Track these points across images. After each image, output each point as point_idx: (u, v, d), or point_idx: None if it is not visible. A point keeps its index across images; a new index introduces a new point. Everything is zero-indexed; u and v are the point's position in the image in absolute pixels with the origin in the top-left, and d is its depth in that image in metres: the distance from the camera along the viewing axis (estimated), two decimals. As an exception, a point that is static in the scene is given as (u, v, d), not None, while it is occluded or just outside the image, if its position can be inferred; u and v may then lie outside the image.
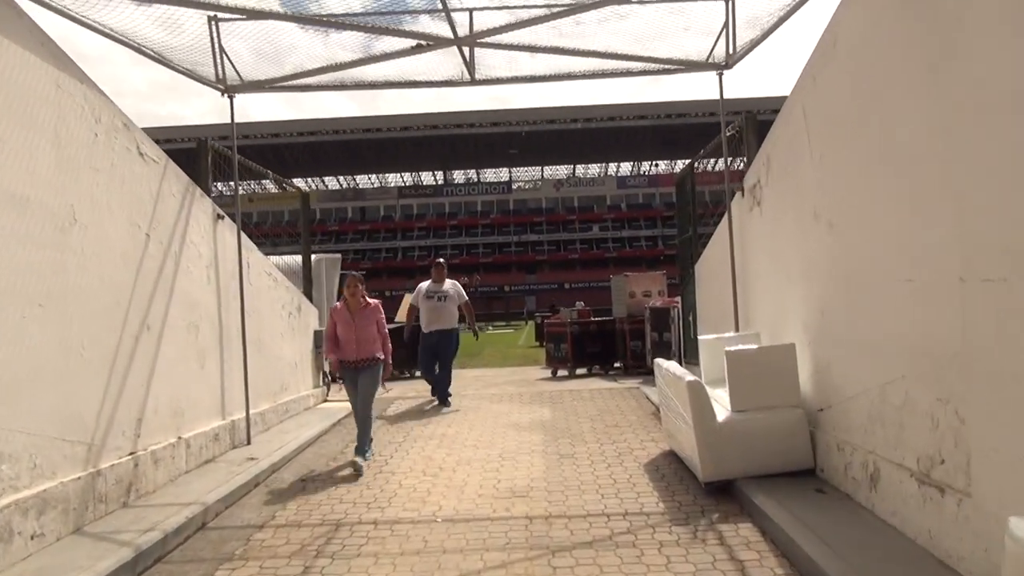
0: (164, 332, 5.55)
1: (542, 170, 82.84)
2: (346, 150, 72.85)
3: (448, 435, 7.29)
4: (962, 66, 3.06)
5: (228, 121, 6.89)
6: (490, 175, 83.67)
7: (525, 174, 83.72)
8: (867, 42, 4.00)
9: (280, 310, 8.31)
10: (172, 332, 5.67)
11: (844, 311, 4.43)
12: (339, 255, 11.81)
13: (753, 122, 6.70)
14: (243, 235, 7.13)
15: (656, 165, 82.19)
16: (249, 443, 6.80)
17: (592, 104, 72.24)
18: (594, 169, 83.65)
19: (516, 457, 6.26)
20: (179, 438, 5.67)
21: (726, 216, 6.87)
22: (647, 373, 11.03)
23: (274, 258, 9.81)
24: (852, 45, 4.20)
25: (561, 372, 12.00)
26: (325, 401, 9.63)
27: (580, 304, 16.06)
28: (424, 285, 9.00)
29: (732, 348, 5.09)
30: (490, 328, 38.72)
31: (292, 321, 8.67)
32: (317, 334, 9.55)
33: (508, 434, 7.22)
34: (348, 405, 9.47)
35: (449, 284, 8.93)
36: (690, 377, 4.98)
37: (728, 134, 6.83)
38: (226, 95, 6.73)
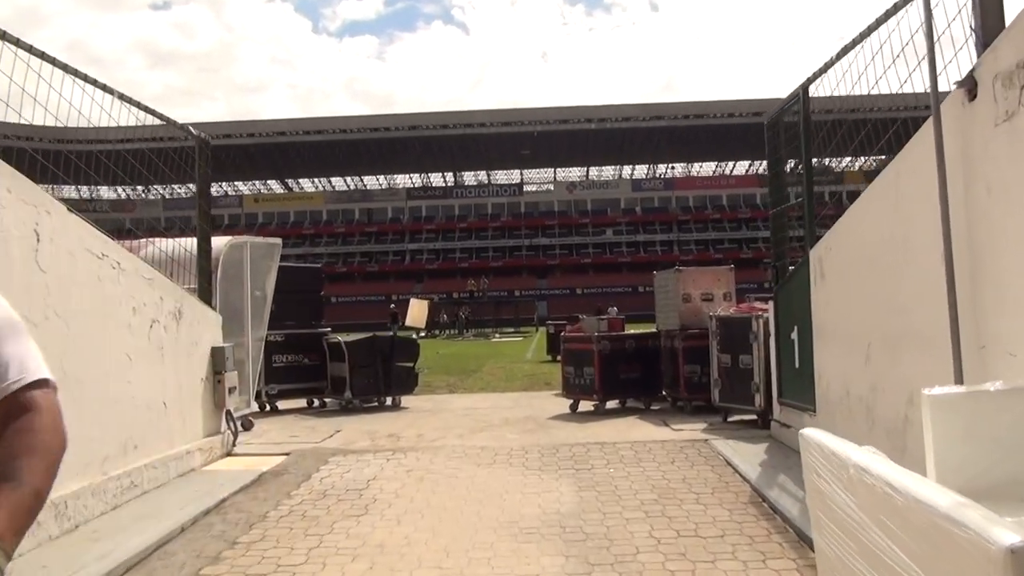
0: None
1: (554, 172, 79.47)
2: (353, 150, 70.62)
3: (388, 546, 4.03)
4: None
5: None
6: (501, 177, 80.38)
7: (537, 176, 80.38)
8: None
9: (131, 316, 5.08)
10: None
11: None
12: (278, 240, 8.55)
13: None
14: (19, 177, 3.92)
15: (672, 168, 78.75)
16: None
17: (606, 104, 69.22)
18: (608, 171, 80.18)
19: (508, 631, 2.99)
20: None
21: (917, 142, 3.59)
22: (709, 411, 7.71)
23: (165, 241, 6.65)
24: None
25: (585, 405, 8.68)
26: (229, 455, 6.39)
27: (613, 310, 12.59)
28: None
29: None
30: (497, 336, 35.27)
31: (160, 334, 5.44)
32: (216, 352, 6.32)
33: (498, 548, 3.94)
34: (262, 462, 6.30)
35: None
36: (1015, 539, 1.70)
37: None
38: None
